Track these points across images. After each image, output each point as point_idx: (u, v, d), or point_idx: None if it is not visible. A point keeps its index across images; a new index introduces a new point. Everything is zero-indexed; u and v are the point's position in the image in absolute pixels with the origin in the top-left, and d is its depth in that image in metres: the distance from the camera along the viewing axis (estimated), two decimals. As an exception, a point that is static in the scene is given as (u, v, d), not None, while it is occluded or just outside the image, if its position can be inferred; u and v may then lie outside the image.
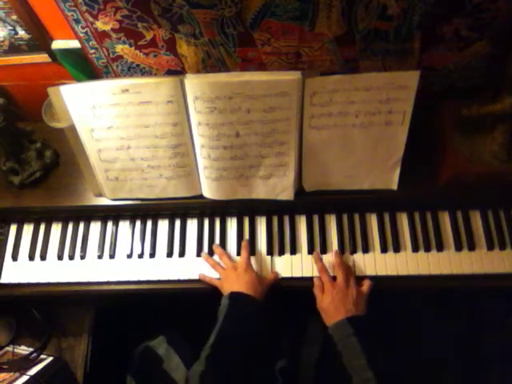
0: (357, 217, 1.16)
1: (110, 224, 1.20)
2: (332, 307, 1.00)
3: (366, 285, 1.05)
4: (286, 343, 1.15)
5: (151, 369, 1.12)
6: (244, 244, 1.12)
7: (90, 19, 0.93)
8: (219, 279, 1.09)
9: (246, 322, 0.96)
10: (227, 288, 1.04)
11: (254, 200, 1.10)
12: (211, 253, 1.14)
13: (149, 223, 1.19)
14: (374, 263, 1.11)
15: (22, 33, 1.01)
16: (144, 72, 1.10)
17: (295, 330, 1.19)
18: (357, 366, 0.89)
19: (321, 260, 1.09)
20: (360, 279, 1.07)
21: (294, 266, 1.11)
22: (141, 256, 1.16)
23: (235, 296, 1.00)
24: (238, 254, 1.14)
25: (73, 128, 1.00)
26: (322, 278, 1.06)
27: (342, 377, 0.91)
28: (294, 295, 1.09)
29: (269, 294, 1.07)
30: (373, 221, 1.15)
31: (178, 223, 1.19)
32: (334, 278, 1.06)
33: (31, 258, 1.18)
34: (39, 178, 1.16)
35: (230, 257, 1.12)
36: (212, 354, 0.91)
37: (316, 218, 1.16)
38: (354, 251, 1.12)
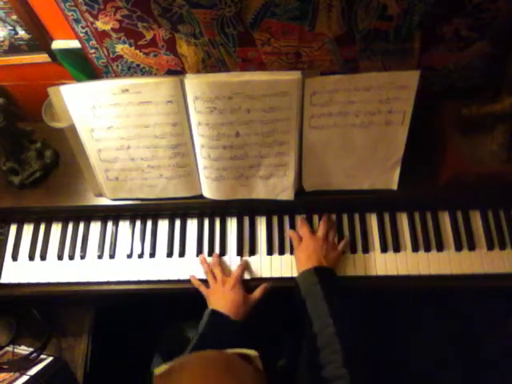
0: (357, 217, 1.16)
1: (110, 224, 1.20)
2: (304, 256, 1.04)
3: (343, 244, 1.10)
4: (286, 343, 1.15)
5: (179, 349, 1.12)
6: (241, 262, 1.12)
7: (90, 19, 0.93)
8: (207, 288, 1.09)
9: (220, 342, 0.97)
10: (212, 301, 1.05)
11: (254, 200, 1.10)
12: (211, 254, 1.15)
13: (149, 223, 1.19)
14: (374, 263, 1.11)
15: (22, 33, 1.01)
16: (144, 72, 1.10)
17: (295, 330, 1.19)
18: (318, 312, 0.92)
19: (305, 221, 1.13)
20: (340, 239, 1.12)
21: (294, 266, 1.11)
22: (141, 256, 1.16)
23: (215, 315, 1.00)
24: (238, 253, 1.14)
25: (73, 128, 1.00)
26: (301, 229, 1.11)
27: (305, 322, 0.95)
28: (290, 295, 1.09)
29: (269, 295, 1.07)
30: (373, 221, 1.15)
31: (178, 223, 1.19)
32: None
33: (31, 258, 1.18)
34: (39, 178, 1.16)
35: (223, 269, 1.10)
36: None
37: (316, 218, 1.16)
38: (354, 251, 1.12)
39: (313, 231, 1.11)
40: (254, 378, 0.65)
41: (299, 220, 1.14)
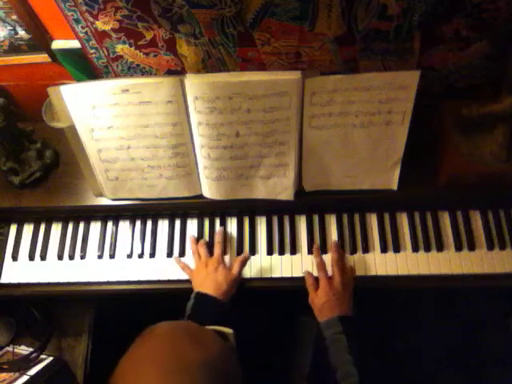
0: (357, 217, 1.16)
1: (110, 224, 1.20)
2: (327, 307, 1.01)
3: (351, 285, 1.06)
4: (282, 341, 1.15)
5: None
6: (217, 241, 1.12)
7: (90, 19, 0.93)
8: (191, 270, 1.11)
9: (208, 322, 0.99)
10: (196, 283, 1.06)
11: (254, 200, 1.10)
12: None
13: (149, 223, 1.19)
14: (374, 263, 1.11)
15: (22, 33, 1.01)
16: (144, 72, 1.10)
17: (292, 329, 1.19)
18: (342, 360, 0.92)
19: (320, 254, 1.10)
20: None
21: (294, 266, 1.11)
22: (141, 256, 1.16)
23: (200, 297, 1.02)
24: (238, 253, 1.14)
25: (73, 128, 1.00)
26: (319, 275, 1.07)
27: (329, 369, 0.95)
28: (293, 294, 1.09)
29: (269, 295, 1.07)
30: (373, 221, 1.15)
31: (178, 223, 1.19)
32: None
33: (31, 258, 1.18)
34: (39, 178, 1.16)
35: (206, 251, 1.11)
36: None
37: (316, 218, 1.16)
38: (354, 251, 1.12)
39: (328, 276, 1.06)
40: (222, 353, 0.65)
41: (316, 257, 1.09)
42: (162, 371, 0.58)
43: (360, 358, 0.93)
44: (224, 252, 1.13)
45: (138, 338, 0.67)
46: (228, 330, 0.75)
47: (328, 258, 1.10)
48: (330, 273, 1.07)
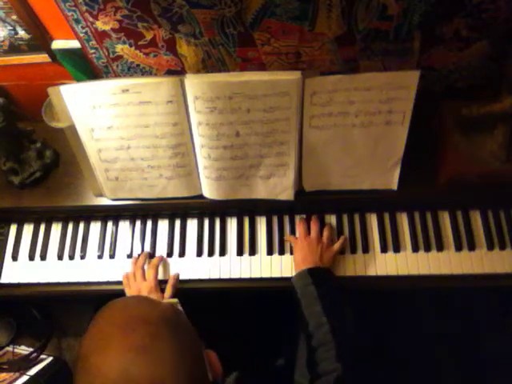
0: (357, 217, 1.16)
1: (110, 224, 1.20)
2: (300, 257, 1.06)
3: (339, 242, 1.10)
4: (285, 343, 1.15)
5: None
6: (153, 263, 1.10)
7: (90, 19, 0.93)
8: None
9: None
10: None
11: (254, 200, 1.10)
12: (211, 254, 1.15)
13: (149, 223, 1.19)
14: (374, 263, 1.11)
15: (22, 33, 1.01)
16: (144, 72, 1.10)
17: (293, 330, 1.19)
18: (312, 312, 0.94)
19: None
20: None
21: (294, 266, 1.11)
22: (141, 256, 1.16)
23: None
24: (238, 254, 1.14)
25: (73, 128, 1.00)
26: (298, 230, 1.12)
27: (300, 323, 0.96)
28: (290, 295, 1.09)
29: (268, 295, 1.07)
30: (373, 221, 1.15)
31: (178, 223, 1.19)
32: None
33: (31, 258, 1.18)
34: (39, 178, 1.16)
35: (142, 274, 1.09)
36: None
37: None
38: (354, 251, 1.12)
39: (309, 232, 1.12)
40: (174, 310, 0.68)
41: (297, 220, 1.15)
42: (127, 331, 0.60)
43: (333, 310, 0.94)
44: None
45: (94, 318, 0.68)
46: (174, 300, 0.80)
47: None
48: None
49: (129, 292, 1.09)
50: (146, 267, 1.11)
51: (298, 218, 1.16)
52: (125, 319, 0.62)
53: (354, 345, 0.90)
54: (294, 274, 1.09)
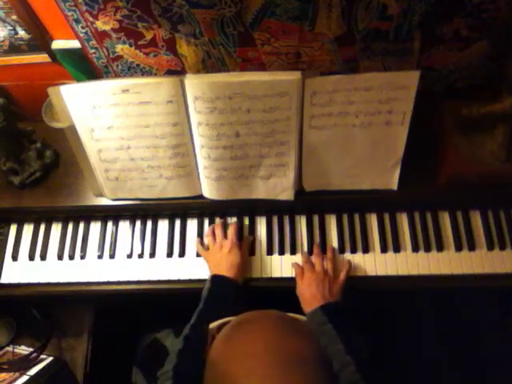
0: (357, 217, 1.16)
1: (110, 224, 1.20)
2: (308, 294, 1.03)
3: (344, 273, 1.07)
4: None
5: (158, 360, 1.12)
6: (231, 224, 1.14)
7: (90, 19, 0.93)
8: (207, 250, 1.13)
9: (224, 302, 1.02)
10: (211, 266, 1.10)
11: (254, 200, 1.10)
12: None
13: (149, 223, 1.19)
14: (374, 263, 1.11)
15: (22, 33, 1.01)
16: (144, 72, 1.10)
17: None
18: (335, 351, 0.91)
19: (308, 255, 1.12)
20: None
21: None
22: (141, 256, 1.16)
23: (216, 279, 1.05)
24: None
25: (73, 128, 1.00)
26: (303, 265, 1.09)
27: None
28: (293, 294, 1.09)
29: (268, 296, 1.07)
30: (373, 221, 1.15)
31: (178, 223, 1.19)
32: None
33: (31, 258, 1.18)
34: (39, 178, 1.16)
35: (223, 232, 1.13)
36: (192, 333, 0.94)
37: (316, 218, 1.16)
38: (354, 251, 1.12)
39: (313, 265, 1.09)
40: (316, 344, 0.68)
41: (300, 253, 1.13)
42: (286, 372, 0.60)
43: (353, 345, 0.92)
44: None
45: (233, 326, 0.69)
46: (301, 317, 0.79)
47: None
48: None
49: (211, 249, 1.11)
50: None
51: (298, 218, 1.16)
52: (283, 356, 0.62)
53: (380, 376, 0.89)
54: (294, 272, 1.09)
